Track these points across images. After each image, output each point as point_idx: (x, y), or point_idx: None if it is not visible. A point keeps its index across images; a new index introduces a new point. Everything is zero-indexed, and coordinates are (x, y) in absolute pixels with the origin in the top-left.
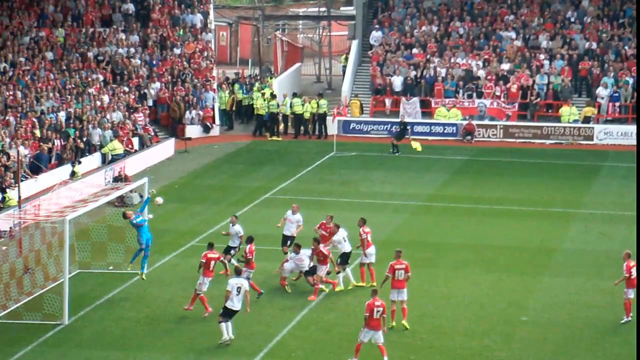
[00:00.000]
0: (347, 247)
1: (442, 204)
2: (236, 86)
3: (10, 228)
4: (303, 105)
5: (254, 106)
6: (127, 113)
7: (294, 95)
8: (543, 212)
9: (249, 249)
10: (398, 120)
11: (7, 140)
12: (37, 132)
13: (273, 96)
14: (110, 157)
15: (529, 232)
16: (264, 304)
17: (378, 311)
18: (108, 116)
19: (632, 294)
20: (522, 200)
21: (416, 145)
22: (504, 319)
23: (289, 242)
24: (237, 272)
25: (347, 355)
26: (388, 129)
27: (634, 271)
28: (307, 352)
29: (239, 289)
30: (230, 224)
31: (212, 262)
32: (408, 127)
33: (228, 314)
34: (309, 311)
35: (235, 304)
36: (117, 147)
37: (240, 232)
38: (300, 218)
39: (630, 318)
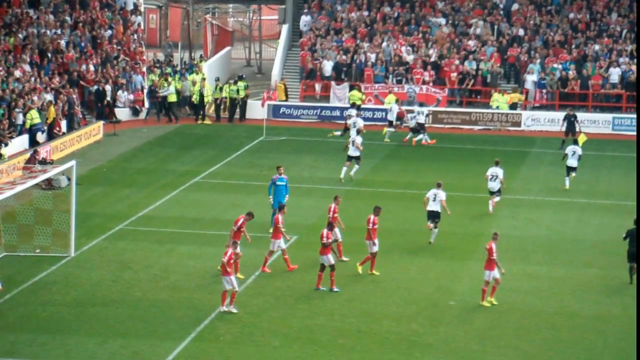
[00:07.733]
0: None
1: (371, 188)
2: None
3: None
4: (238, 91)
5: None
6: (55, 95)
7: (239, 79)
8: (471, 197)
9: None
10: (565, 113)
11: None
12: None
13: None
14: (30, 130)
15: (457, 218)
16: (193, 288)
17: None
18: (35, 98)
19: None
20: (450, 186)
21: (583, 139)
22: (431, 303)
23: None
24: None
25: (276, 339)
26: (317, 113)
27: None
28: (235, 336)
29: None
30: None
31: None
32: (574, 120)
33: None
34: (238, 296)
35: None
36: (35, 116)
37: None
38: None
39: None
